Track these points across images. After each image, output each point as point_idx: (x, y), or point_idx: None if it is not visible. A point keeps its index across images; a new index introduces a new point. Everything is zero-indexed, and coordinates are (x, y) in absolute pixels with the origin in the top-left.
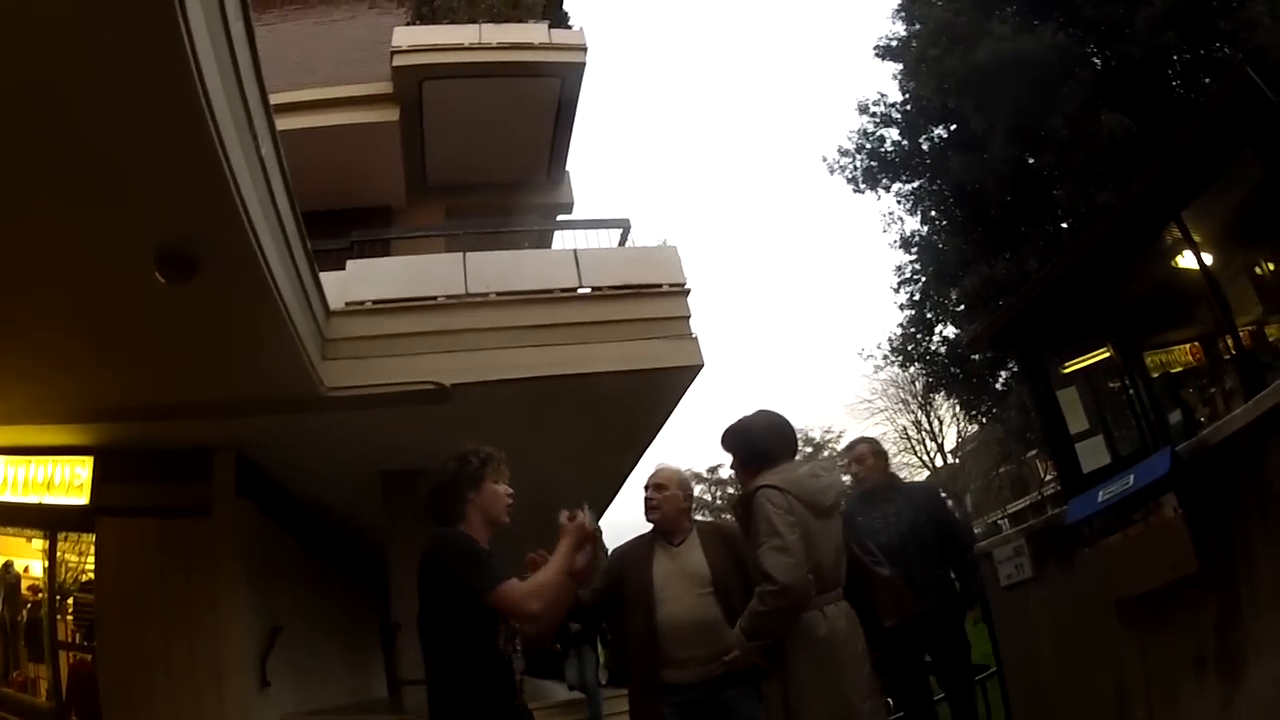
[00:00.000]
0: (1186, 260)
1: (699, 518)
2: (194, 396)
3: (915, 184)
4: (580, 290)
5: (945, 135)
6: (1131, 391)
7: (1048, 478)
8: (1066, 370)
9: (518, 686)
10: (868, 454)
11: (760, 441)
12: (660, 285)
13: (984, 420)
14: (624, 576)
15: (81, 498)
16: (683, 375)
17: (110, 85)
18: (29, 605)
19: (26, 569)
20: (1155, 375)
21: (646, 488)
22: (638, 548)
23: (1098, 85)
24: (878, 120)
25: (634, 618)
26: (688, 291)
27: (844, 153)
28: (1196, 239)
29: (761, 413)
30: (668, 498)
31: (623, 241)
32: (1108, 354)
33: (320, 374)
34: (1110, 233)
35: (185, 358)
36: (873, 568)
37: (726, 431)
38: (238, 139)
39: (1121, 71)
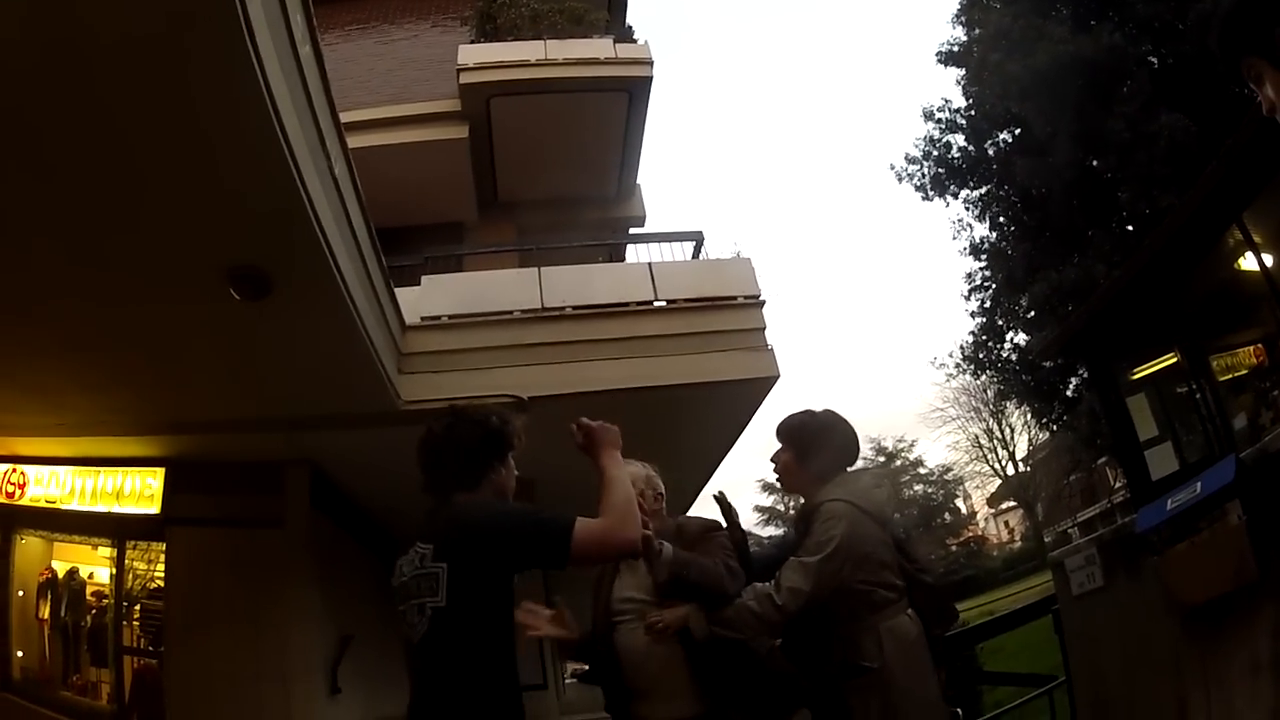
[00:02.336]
0: (1248, 262)
1: (684, 516)
2: (268, 411)
3: (983, 190)
4: (655, 303)
5: (1010, 140)
6: (1198, 396)
7: (1117, 485)
8: (1135, 376)
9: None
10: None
11: (824, 442)
12: (735, 297)
13: (1054, 428)
14: (595, 598)
15: (152, 507)
16: (758, 387)
17: (183, 109)
18: (93, 611)
19: (91, 575)
20: (1221, 378)
21: (639, 494)
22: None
23: (1155, 85)
24: (943, 126)
25: (598, 645)
26: (762, 303)
27: (911, 160)
28: (1257, 239)
29: (831, 412)
30: (660, 508)
31: (696, 254)
32: (1175, 359)
33: (397, 388)
34: (1173, 238)
35: (261, 373)
36: (916, 574)
37: (788, 420)
38: (311, 159)
39: (1177, 70)
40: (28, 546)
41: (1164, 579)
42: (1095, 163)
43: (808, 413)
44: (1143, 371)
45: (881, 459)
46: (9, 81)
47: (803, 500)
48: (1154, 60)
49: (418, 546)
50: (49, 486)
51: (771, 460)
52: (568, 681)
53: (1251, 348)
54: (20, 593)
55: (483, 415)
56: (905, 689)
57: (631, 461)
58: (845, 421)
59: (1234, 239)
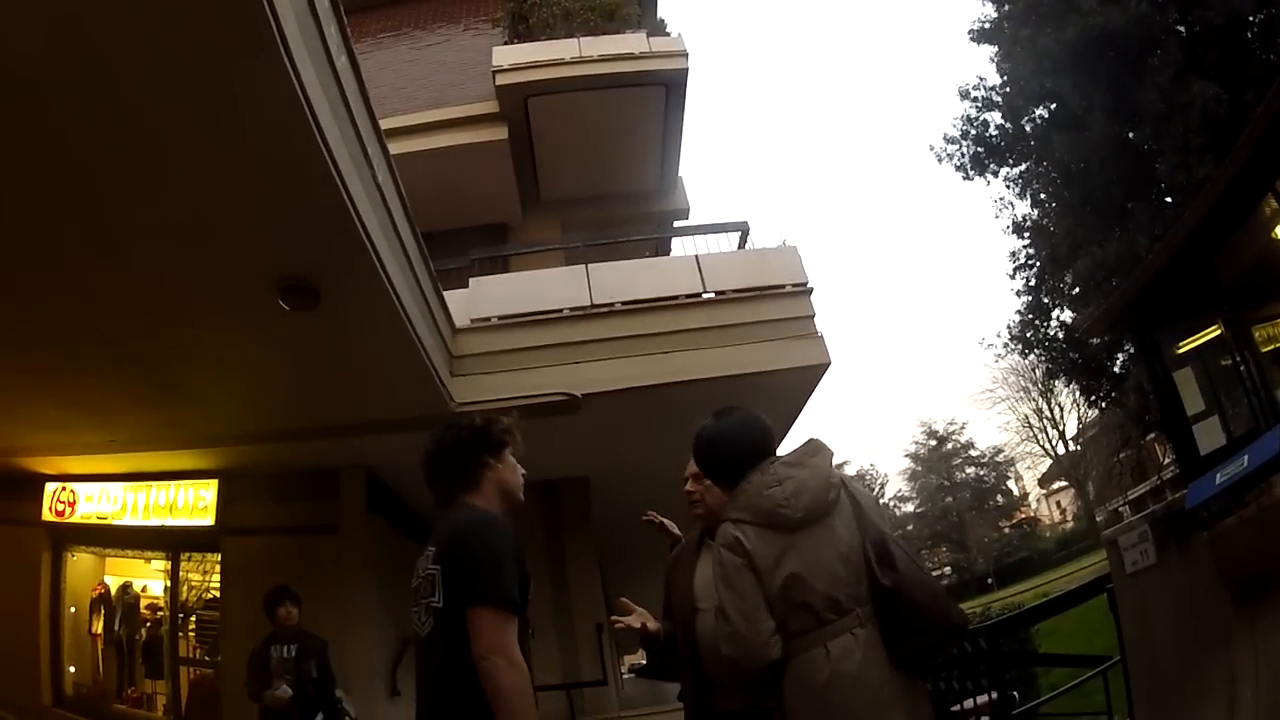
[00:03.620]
0: None
1: None
2: (322, 419)
3: (1022, 167)
4: (704, 295)
5: (1046, 115)
6: (1242, 369)
7: (1166, 461)
8: (1181, 350)
9: None
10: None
11: (709, 458)
12: (783, 286)
13: (1103, 405)
14: (670, 585)
15: (206, 519)
16: (810, 374)
17: (225, 126)
18: (147, 624)
19: (145, 589)
20: (1265, 349)
21: (684, 479)
22: (684, 552)
23: (1185, 54)
24: (979, 105)
25: (678, 634)
26: (810, 290)
27: (950, 140)
28: None
29: (716, 416)
30: (709, 487)
31: (742, 244)
32: (1218, 331)
33: (450, 390)
34: (1211, 209)
35: (314, 382)
36: (877, 576)
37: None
38: (354, 167)
39: (1206, 39)
40: (79, 563)
41: (1214, 554)
42: (1132, 135)
43: (704, 425)
44: (1188, 345)
45: (933, 442)
46: (55, 113)
47: None
48: (1182, 29)
49: (427, 549)
50: (100, 503)
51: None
52: (625, 677)
53: None
54: (73, 609)
55: (469, 419)
56: None
57: None
58: (724, 426)
59: (1270, 207)
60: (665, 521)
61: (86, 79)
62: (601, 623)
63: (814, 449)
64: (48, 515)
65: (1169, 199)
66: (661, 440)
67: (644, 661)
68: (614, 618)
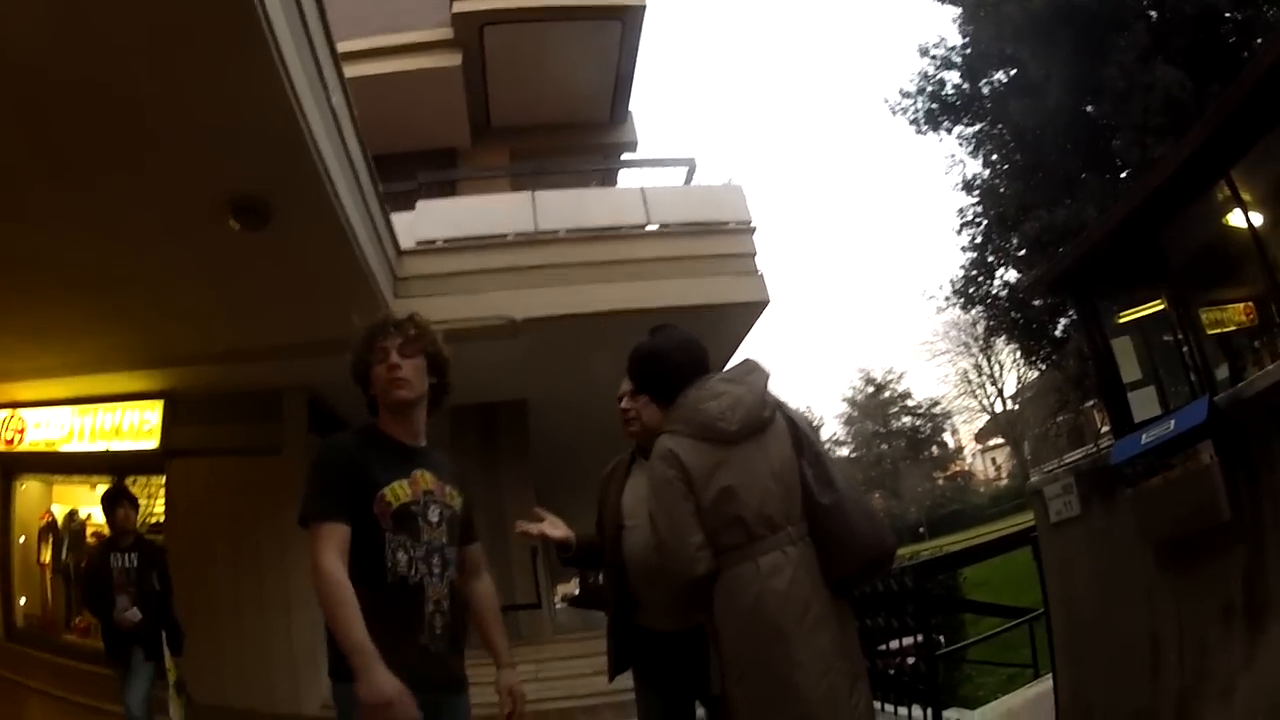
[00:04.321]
0: (1236, 218)
1: None
2: (267, 340)
3: (976, 127)
4: (648, 228)
5: (1005, 80)
6: (1185, 347)
7: (1104, 429)
8: (1122, 320)
9: (428, 620)
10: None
11: (644, 373)
12: (727, 223)
13: (1043, 366)
14: (601, 502)
15: (151, 441)
16: (749, 311)
17: (182, 44)
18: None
19: (89, 516)
20: (1210, 331)
21: (620, 397)
22: (615, 469)
23: (1152, 38)
24: (938, 63)
25: (605, 550)
26: (753, 229)
27: (905, 94)
28: (1245, 197)
29: (653, 333)
30: (644, 405)
31: (688, 180)
32: (1161, 306)
33: (392, 312)
34: (1163, 186)
35: (259, 303)
36: (814, 493)
37: (631, 366)
38: (310, 91)
39: (1175, 26)
40: (28, 492)
41: (1138, 512)
42: (1090, 108)
43: (628, 360)
44: (1129, 315)
45: (870, 389)
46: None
47: None
48: (1153, 14)
49: None
50: (48, 430)
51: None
52: (558, 605)
53: (1242, 305)
54: (22, 539)
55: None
56: (732, 652)
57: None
58: (660, 342)
59: (1223, 194)
60: (542, 528)
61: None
62: (536, 547)
63: (750, 367)
64: None
65: (1123, 174)
66: (599, 367)
67: (577, 592)
68: (519, 523)
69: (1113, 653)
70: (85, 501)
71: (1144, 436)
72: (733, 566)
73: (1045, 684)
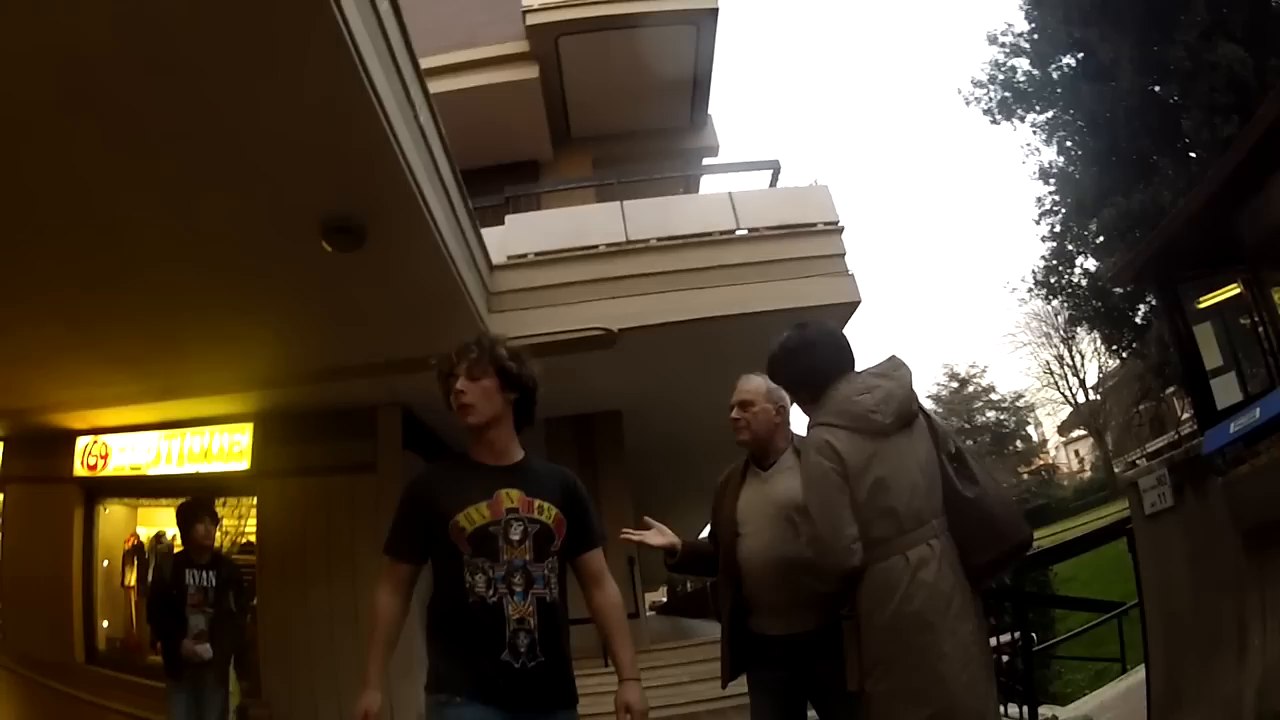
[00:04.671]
0: None
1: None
2: (361, 358)
3: (1049, 114)
4: (737, 232)
5: (1074, 65)
6: (1261, 329)
7: (1185, 416)
8: (1202, 305)
9: (510, 638)
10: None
11: (793, 368)
12: (814, 224)
13: (1124, 355)
14: (716, 510)
15: (242, 462)
16: (840, 311)
17: (270, 69)
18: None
19: (174, 537)
20: None
21: (731, 406)
22: (730, 477)
23: (1212, 14)
24: (1007, 51)
25: (721, 555)
26: (841, 229)
27: (977, 84)
28: None
29: (789, 334)
30: (755, 414)
31: (773, 183)
32: (1238, 290)
33: (488, 326)
34: (1235, 169)
35: (354, 321)
36: (959, 486)
37: (770, 372)
38: (399, 110)
39: (1233, 1)
40: (111, 516)
41: (1227, 500)
42: (1159, 89)
43: (772, 348)
44: (1209, 301)
45: (954, 384)
46: (98, 53)
47: None
48: None
49: None
50: (134, 454)
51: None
52: (648, 614)
53: None
54: (105, 562)
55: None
56: (881, 647)
57: (752, 376)
58: (810, 334)
59: None
60: (645, 536)
61: (132, 21)
62: (633, 556)
63: (897, 364)
64: (80, 470)
65: (1194, 154)
66: (693, 374)
67: (664, 600)
68: (624, 531)
69: (1204, 641)
70: (172, 524)
71: (1232, 426)
72: (881, 560)
73: (1135, 677)
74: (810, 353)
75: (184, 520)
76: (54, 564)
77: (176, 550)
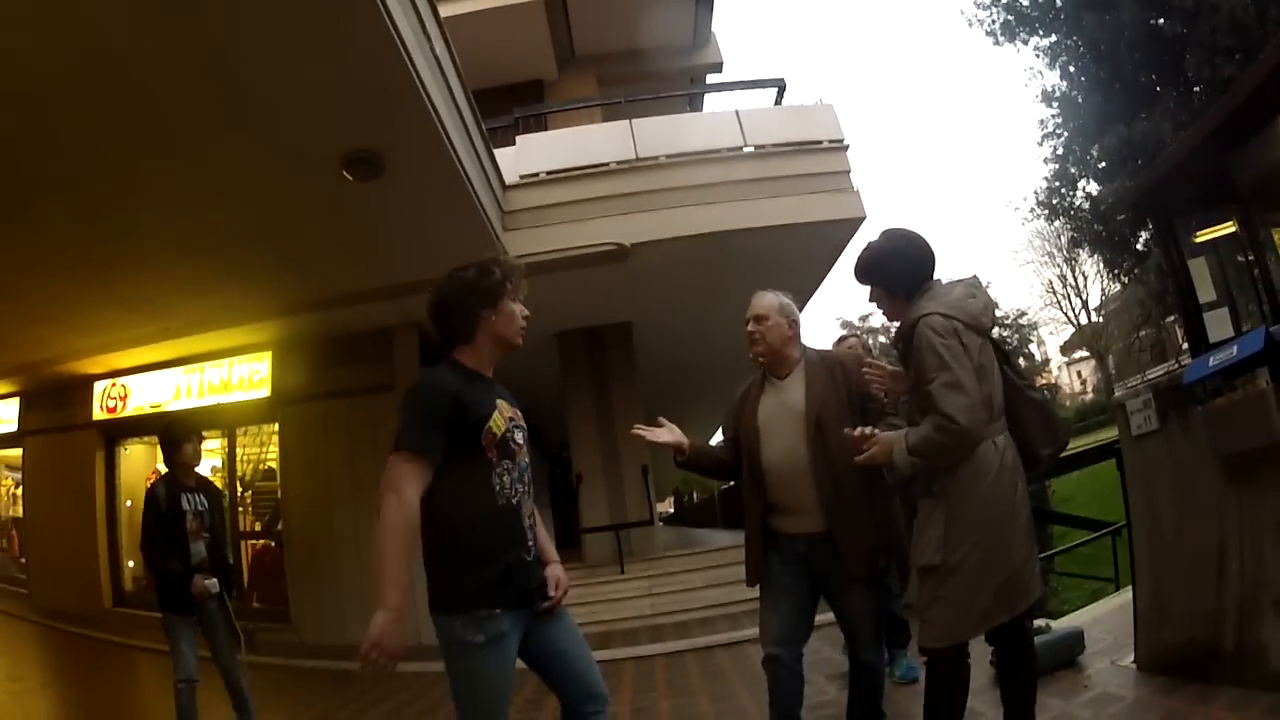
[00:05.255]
0: None
1: (819, 348)
2: (379, 281)
3: (1052, 38)
4: (744, 149)
5: None
6: (1256, 270)
7: (1185, 345)
8: (1198, 240)
9: (526, 534)
10: (857, 346)
11: (901, 264)
12: (820, 141)
13: (1125, 280)
14: (738, 419)
15: (262, 390)
16: (845, 227)
17: (293, 10)
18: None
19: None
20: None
21: (747, 321)
22: (749, 387)
23: None
24: None
25: (745, 462)
26: (846, 146)
27: (980, 5)
28: None
29: (892, 232)
30: (769, 328)
31: (778, 101)
32: (1233, 228)
33: (504, 244)
34: (1233, 112)
35: (373, 247)
36: (1025, 389)
37: (859, 262)
38: (416, 44)
39: None
40: (132, 456)
41: (1207, 428)
42: (1162, 22)
43: (870, 245)
44: (1205, 235)
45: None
46: (106, 13)
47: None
48: None
49: None
50: (153, 393)
51: (870, 300)
52: (658, 524)
53: None
54: (129, 502)
55: (464, 270)
56: (973, 523)
57: (765, 293)
58: (912, 235)
59: None
60: (657, 433)
61: None
62: (646, 465)
63: (979, 281)
64: (99, 414)
65: (1196, 90)
66: (701, 288)
67: (671, 510)
68: (636, 426)
69: (1187, 560)
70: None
71: (1211, 360)
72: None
73: (1127, 595)
74: (913, 252)
75: (171, 442)
76: (77, 512)
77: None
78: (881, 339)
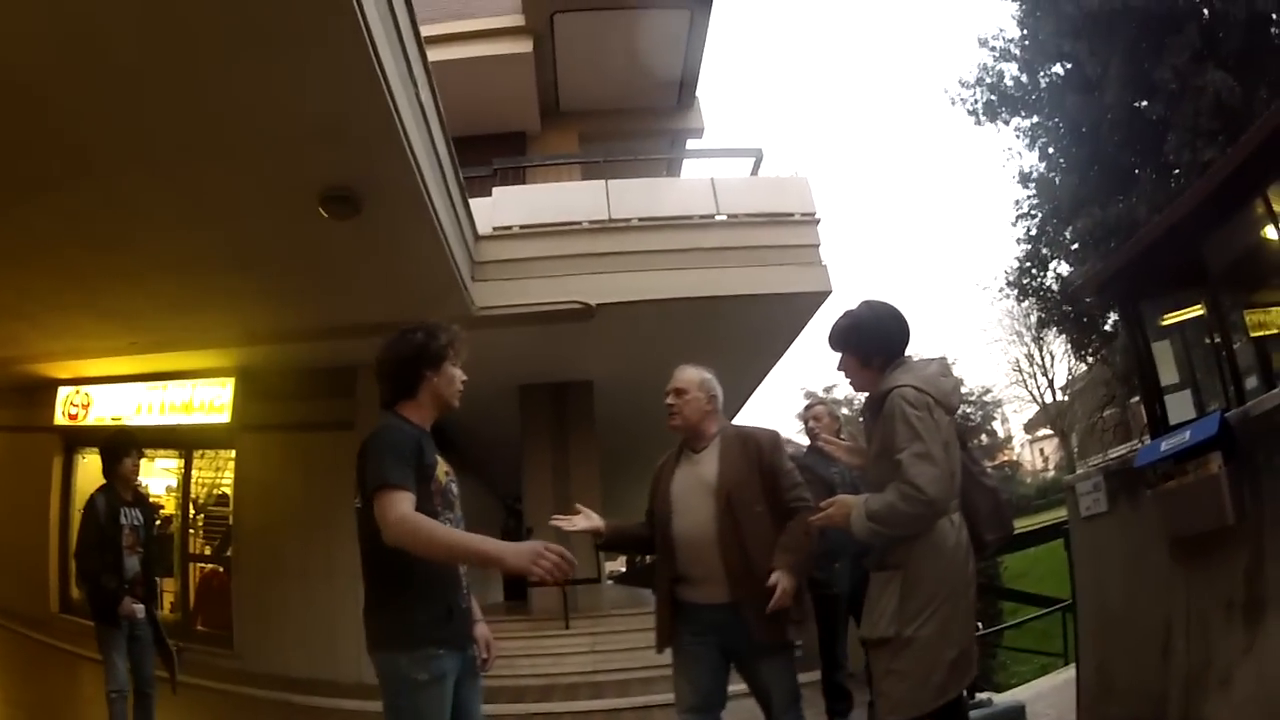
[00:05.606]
0: (1272, 233)
1: (738, 424)
2: (347, 320)
3: (1033, 119)
4: (717, 217)
5: (1061, 74)
6: (1221, 352)
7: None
8: (1164, 323)
9: (463, 581)
10: (824, 415)
11: (879, 334)
12: (792, 214)
13: (1092, 360)
14: (654, 491)
15: (222, 415)
16: (811, 300)
17: (281, 43)
18: (156, 523)
19: (145, 487)
20: (1252, 334)
21: (666, 393)
22: (666, 460)
23: (1204, 40)
24: (997, 55)
25: (658, 531)
26: (818, 221)
27: (965, 85)
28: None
29: (873, 303)
30: (688, 401)
31: (755, 170)
32: (1201, 312)
33: (472, 294)
34: (1207, 197)
35: (343, 285)
36: (978, 474)
37: (837, 328)
38: (402, 87)
39: (1227, 28)
40: (89, 465)
41: (1158, 511)
42: (1144, 105)
43: (850, 313)
44: (1171, 319)
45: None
46: (101, 24)
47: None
48: (1206, 12)
49: None
50: (116, 405)
51: (838, 369)
52: (607, 581)
53: (1276, 311)
54: (80, 511)
55: (413, 332)
56: (930, 595)
57: (688, 367)
58: (890, 308)
59: (1259, 209)
60: (574, 521)
61: (149, 6)
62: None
63: (949, 362)
64: (60, 420)
65: (1175, 173)
66: (666, 351)
67: (623, 569)
68: (555, 517)
69: (1133, 638)
70: (145, 474)
71: (1163, 445)
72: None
73: (1071, 671)
74: (891, 323)
75: (111, 454)
76: (32, 513)
77: (115, 496)
78: (844, 410)
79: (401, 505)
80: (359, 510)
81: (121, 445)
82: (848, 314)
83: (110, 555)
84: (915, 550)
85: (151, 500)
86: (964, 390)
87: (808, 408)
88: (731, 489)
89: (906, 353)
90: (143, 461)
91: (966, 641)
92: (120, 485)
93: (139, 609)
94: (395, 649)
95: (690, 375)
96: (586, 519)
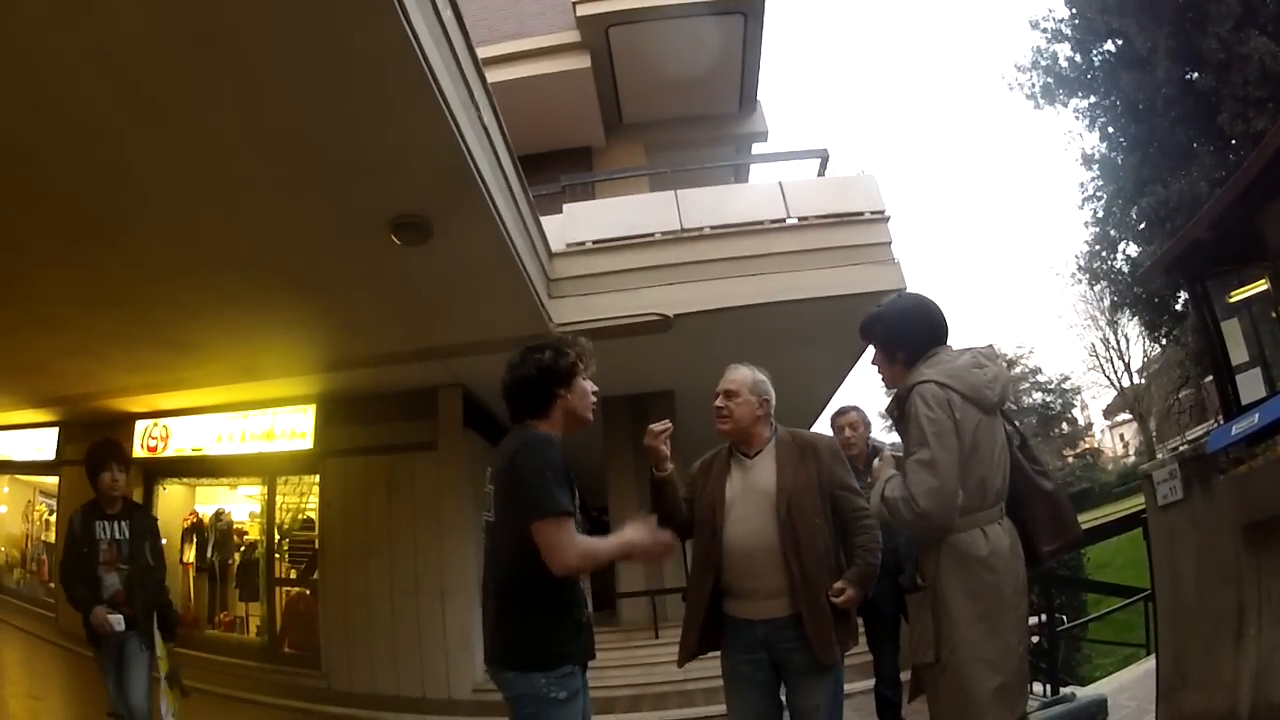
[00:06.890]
0: None
1: (793, 429)
2: (426, 343)
3: (1091, 100)
4: (787, 221)
5: (1114, 51)
6: None
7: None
8: (1231, 300)
9: (581, 597)
10: (858, 422)
11: (904, 327)
12: (862, 213)
13: (1164, 342)
14: (698, 491)
15: (304, 442)
16: (885, 298)
17: (347, 84)
18: (240, 549)
19: (229, 514)
20: None
21: (716, 395)
22: (715, 460)
23: (1244, 6)
24: (1049, 36)
25: (700, 537)
26: (887, 218)
27: (1020, 69)
28: None
29: (906, 295)
30: (740, 404)
31: (821, 171)
32: (1265, 286)
33: (549, 311)
34: (1258, 175)
35: (420, 309)
36: (1035, 478)
37: (866, 317)
38: (464, 113)
39: None
40: (170, 496)
41: (1228, 496)
42: (1196, 77)
43: (880, 305)
44: (1238, 295)
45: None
46: (167, 72)
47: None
48: None
49: (493, 465)
50: (196, 435)
51: (872, 363)
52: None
53: None
54: (164, 541)
55: (539, 350)
56: (958, 618)
57: (739, 366)
58: (918, 300)
59: None
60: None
61: (210, 49)
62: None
63: (995, 352)
64: (140, 452)
65: (1232, 142)
66: (744, 357)
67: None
68: (653, 425)
69: (1208, 628)
70: (225, 502)
71: (1234, 428)
72: (962, 530)
73: (1152, 662)
74: (920, 317)
75: (90, 466)
76: None
77: (212, 528)
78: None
79: (572, 533)
80: (492, 525)
81: (101, 458)
82: (878, 305)
83: (84, 571)
84: (940, 566)
85: (150, 514)
86: (1042, 379)
87: (839, 413)
88: (792, 497)
89: (945, 344)
90: (224, 490)
91: (1011, 667)
92: (103, 499)
93: (114, 619)
94: (534, 668)
95: (742, 376)
96: (666, 435)
